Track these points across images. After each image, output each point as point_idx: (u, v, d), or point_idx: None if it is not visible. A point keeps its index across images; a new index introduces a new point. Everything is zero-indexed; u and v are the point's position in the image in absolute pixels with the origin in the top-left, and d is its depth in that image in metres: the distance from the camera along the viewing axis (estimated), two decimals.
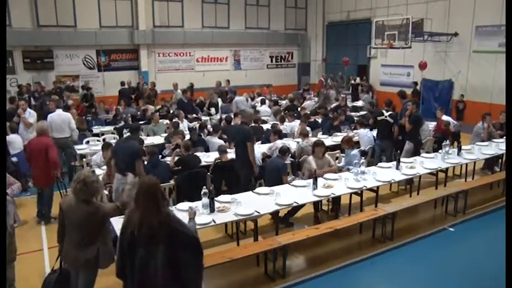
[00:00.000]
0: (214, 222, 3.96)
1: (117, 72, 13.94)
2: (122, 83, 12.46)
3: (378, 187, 5.24)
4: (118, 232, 2.90)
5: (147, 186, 2.53)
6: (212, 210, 4.13)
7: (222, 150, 5.78)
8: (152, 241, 2.42)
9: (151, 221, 2.43)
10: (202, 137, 7.41)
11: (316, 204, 5.40)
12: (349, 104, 12.02)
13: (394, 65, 13.82)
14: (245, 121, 7.46)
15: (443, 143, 6.42)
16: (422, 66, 11.84)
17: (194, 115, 9.41)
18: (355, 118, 9.78)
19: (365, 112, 10.36)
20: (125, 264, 2.48)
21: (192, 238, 2.52)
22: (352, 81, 14.25)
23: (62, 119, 6.81)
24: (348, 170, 5.65)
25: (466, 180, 6.49)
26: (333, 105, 11.14)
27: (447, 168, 6.04)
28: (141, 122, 9.08)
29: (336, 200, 5.34)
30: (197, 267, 2.52)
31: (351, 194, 5.25)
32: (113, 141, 7.47)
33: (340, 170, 5.93)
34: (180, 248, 2.44)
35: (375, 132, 7.32)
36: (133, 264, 2.46)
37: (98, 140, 7.69)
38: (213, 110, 10.17)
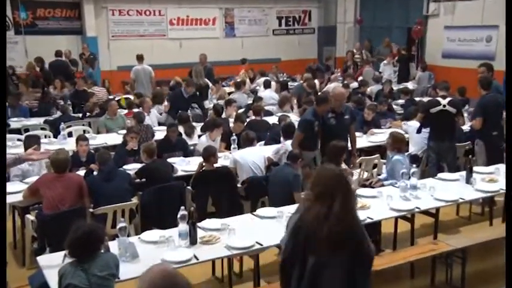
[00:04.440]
0: (197, 259, 3.98)
1: (47, 37, 13.80)
2: (57, 53, 12.47)
3: (437, 209, 5.24)
4: None
5: (341, 174, 2.88)
6: (193, 241, 4.15)
7: (206, 154, 5.82)
8: (338, 248, 2.73)
9: (346, 220, 2.74)
10: (184, 136, 7.49)
11: None
12: (395, 86, 12.06)
13: (466, 26, 13.61)
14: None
15: None
16: None
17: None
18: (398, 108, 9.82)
19: (418, 98, 10.41)
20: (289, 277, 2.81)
21: (371, 251, 2.86)
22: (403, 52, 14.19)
23: None
24: (390, 183, 5.68)
25: None
26: (372, 88, 11.15)
27: None
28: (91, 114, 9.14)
29: (374, 227, 5.36)
30: None
31: (396, 218, 5.26)
32: (46, 141, 7.53)
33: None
34: (360, 262, 2.78)
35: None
36: (301, 278, 2.77)
37: (18, 139, 7.59)
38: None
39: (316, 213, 2.76)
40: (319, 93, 10.11)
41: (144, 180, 5.81)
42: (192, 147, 7.34)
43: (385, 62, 13.52)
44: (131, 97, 10.51)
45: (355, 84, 11.68)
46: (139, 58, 11.35)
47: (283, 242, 2.97)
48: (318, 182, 2.86)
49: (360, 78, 12.56)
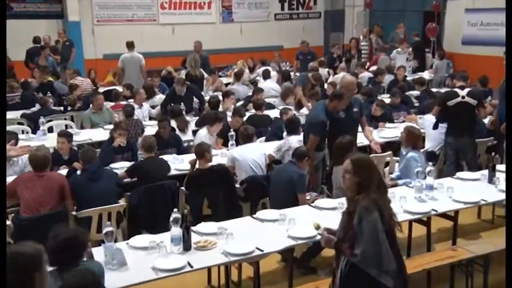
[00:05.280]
0: (191, 266, 3.97)
1: (24, 21, 13.75)
2: (35, 40, 12.39)
3: (456, 212, 5.24)
4: None
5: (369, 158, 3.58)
6: (187, 247, 4.15)
7: (200, 150, 5.82)
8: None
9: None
10: (178, 131, 7.48)
11: None
12: (410, 76, 12.04)
13: (490, 9, 13.53)
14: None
15: None
16: None
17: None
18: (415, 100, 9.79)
19: (435, 90, 10.37)
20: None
21: None
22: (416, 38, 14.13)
23: None
24: (404, 182, 5.67)
25: None
26: (385, 79, 11.12)
27: None
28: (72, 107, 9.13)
29: None
30: None
31: (410, 222, 5.26)
32: (23, 137, 7.52)
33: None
34: None
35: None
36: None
37: None
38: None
39: (387, 199, 3.31)
40: (325, 86, 10.12)
41: (135, 179, 5.81)
42: (185, 144, 7.33)
43: (398, 49, 13.47)
44: (119, 89, 10.48)
45: (365, 74, 11.64)
46: (130, 45, 11.27)
47: (384, 260, 3.14)
48: (372, 170, 3.32)
49: (373, 67, 12.53)
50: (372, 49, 14.27)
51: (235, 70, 11.64)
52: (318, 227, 4.28)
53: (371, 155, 6.74)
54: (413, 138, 5.94)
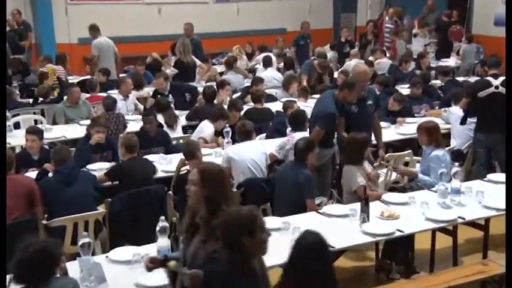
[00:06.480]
0: None
1: None
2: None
3: (487, 220, 5.25)
4: None
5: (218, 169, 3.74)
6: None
7: (191, 150, 5.82)
8: None
9: None
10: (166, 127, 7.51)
11: (387, 249, 5.45)
12: (433, 63, 12.05)
13: None
14: None
15: None
16: None
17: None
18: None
19: (463, 78, 10.34)
20: None
21: None
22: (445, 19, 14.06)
23: None
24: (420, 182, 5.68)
25: None
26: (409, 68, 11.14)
27: None
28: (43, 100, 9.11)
29: (406, 242, 5.36)
30: None
31: (434, 231, 5.26)
32: None
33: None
34: None
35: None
36: None
37: None
38: None
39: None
40: (335, 75, 10.13)
41: (116, 183, 5.82)
42: (174, 142, 7.33)
43: (414, 31, 13.39)
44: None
45: (385, 61, 11.61)
46: (97, 30, 11.11)
47: None
48: (220, 182, 3.51)
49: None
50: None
51: (226, 57, 11.62)
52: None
53: (387, 154, 6.78)
54: (436, 135, 5.94)
